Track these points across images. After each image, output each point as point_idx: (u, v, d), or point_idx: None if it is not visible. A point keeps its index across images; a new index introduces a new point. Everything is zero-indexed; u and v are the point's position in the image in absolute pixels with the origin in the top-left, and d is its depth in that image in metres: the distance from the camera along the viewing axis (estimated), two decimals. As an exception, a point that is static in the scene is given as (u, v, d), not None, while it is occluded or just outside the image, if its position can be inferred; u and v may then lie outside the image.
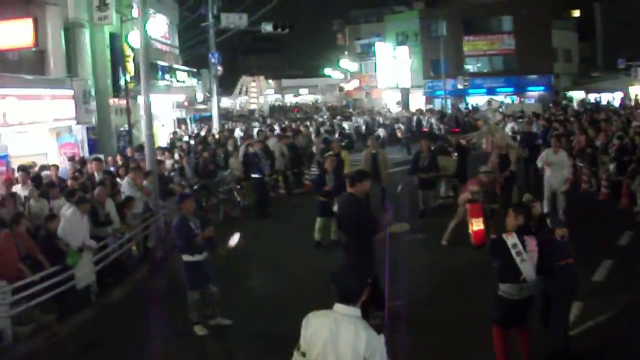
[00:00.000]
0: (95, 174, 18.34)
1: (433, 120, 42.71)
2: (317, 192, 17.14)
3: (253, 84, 68.74)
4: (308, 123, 42.73)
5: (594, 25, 78.49)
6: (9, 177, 17.42)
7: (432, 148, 21.20)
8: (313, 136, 31.82)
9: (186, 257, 11.45)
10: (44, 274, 12.11)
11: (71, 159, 21.08)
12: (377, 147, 21.05)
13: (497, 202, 16.23)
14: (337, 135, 33.71)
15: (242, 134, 35.76)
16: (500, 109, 49.88)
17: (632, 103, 52.72)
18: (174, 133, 33.12)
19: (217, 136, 31.13)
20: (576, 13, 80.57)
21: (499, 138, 21.49)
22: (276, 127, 38.67)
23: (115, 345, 11.33)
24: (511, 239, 8.83)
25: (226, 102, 73.07)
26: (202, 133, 36.08)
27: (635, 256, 14.47)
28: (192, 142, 29.01)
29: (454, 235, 15.95)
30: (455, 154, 21.70)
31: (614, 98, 61.98)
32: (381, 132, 40.34)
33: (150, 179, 17.60)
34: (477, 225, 13.35)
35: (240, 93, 70.37)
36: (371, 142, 21.11)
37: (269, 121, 48.94)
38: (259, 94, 69.28)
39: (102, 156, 21.17)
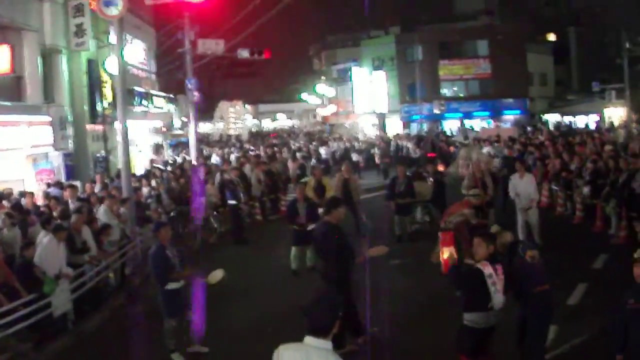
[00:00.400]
0: (70, 201, 18.24)
1: (410, 145, 42.79)
2: (290, 220, 17.08)
3: (231, 109, 68.66)
4: (285, 149, 42.68)
5: (569, 48, 79.28)
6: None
7: (408, 173, 21.28)
8: (289, 162, 31.82)
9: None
10: (20, 302, 12.06)
11: (48, 185, 20.99)
12: (350, 173, 20.94)
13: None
14: (313, 161, 33.72)
15: (219, 159, 35.78)
16: (472, 132, 50.34)
17: (606, 125, 53.17)
18: (151, 160, 33.04)
19: (194, 162, 31.10)
20: (551, 37, 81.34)
21: (479, 158, 21.31)
22: (252, 153, 38.58)
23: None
24: (487, 269, 8.85)
25: (204, 127, 73.00)
26: (179, 159, 36.05)
27: (609, 279, 14.53)
28: (168, 168, 28.98)
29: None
30: (432, 179, 21.72)
31: (588, 122, 62.56)
32: (356, 157, 40.34)
33: (127, 206, 17.59)
34: (447, 253, 13.41)
35: (221, 118, 70.30)
36: (345, 168, 20.96)
37: (246, 146, 48.88)
38: (237, 119, 69.17)
39: (77, 183, 21.06)
